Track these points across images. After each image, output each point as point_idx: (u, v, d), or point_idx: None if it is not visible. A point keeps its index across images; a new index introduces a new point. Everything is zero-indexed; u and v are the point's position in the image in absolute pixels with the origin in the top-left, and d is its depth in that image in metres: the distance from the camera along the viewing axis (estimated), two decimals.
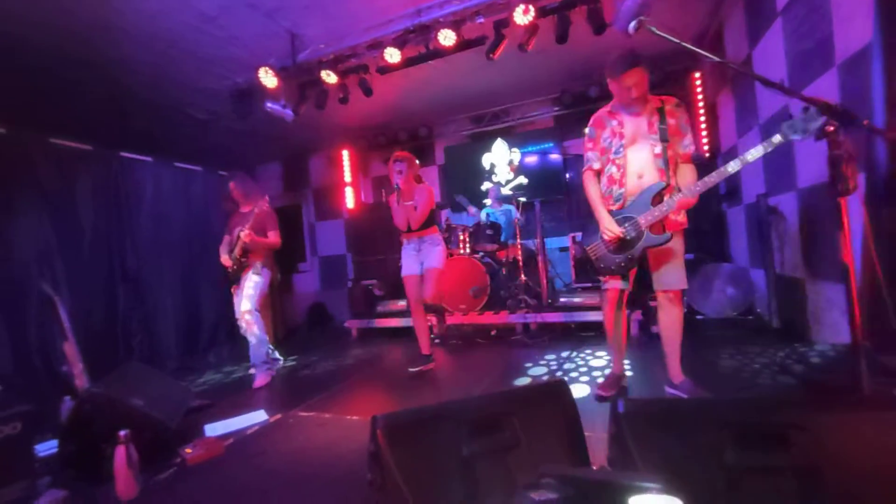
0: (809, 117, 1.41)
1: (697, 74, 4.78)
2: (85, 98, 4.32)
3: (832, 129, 1.21)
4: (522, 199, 4.66)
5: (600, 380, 2.61)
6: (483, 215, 4.97)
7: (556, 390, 1.24)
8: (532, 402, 1.22)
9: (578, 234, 4.86)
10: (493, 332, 4.18)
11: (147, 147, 4.22)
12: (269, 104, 4.10)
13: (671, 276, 2.11)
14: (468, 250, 4.60)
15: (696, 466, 1.00)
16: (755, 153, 1.71)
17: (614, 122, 2.16)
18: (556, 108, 5.51)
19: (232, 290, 3.42)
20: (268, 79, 3.77)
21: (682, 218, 2.10)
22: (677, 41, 1.50)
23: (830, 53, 2.26)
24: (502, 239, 4.67)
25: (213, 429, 2.40)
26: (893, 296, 1.45)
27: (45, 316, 3.04)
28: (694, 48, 1.50)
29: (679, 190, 1.99)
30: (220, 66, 4.02)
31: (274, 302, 5.07)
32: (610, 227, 2.08)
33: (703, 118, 4.66)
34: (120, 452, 1.71)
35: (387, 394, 2.89)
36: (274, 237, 3.38)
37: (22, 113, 4.25)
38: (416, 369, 3.10)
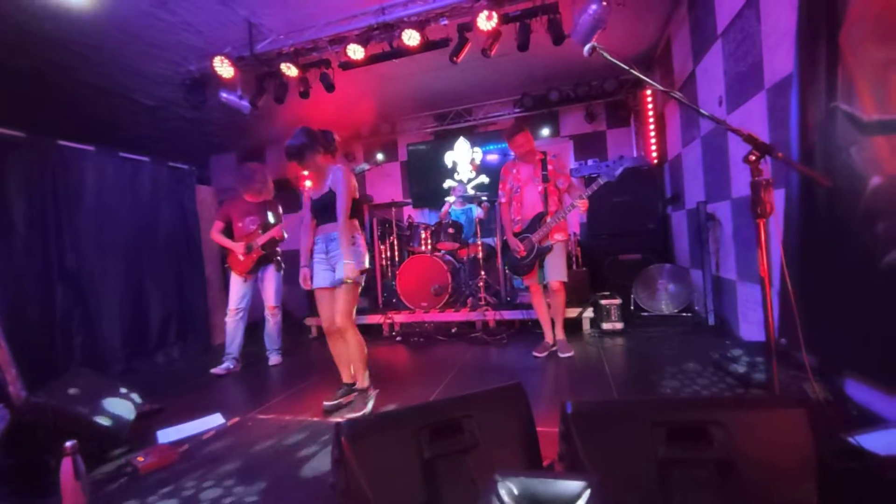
0: (615, 165, 2.92)
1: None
2: (17, 82, 3.98)
3: (754, 158, 1.36)
4: (484, 199, 4.76)
5: None
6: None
7: (513, 394, 1.32)
8: (489, 405, 1.30)
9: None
10: (453, 330, 4.27)
11: (88, 135, 3.94)
12: (224, 94, 3.95)
13: (555, 270, 3.08)
14: (430, 248, 4.66)
15: (634, 460, 1.12)
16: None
17: (514, 171, 3.23)
18: (518, 110, 5.65)
19: (244, 278, 3.54)
20: (223, 68, 3.63)
21: (560, 235, 3.10)
22: (625, 67, 1.63)
23: (760, 77, 2.50)
24: (463, 237, 4.76)
25: (167, 434, 2.33)
26: (801, 303, 1.66)
27: None
28: (638, 74, 1.63)
29: (557, 212, 3.05)
30: (172, 52, 3.82)
31: None
32: (515, 248, 3.17)
33: (652, 127, 4.94)
34: (66, 465, 1.63)
35: None
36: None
37: None
38: (332, 403, 2.48)
